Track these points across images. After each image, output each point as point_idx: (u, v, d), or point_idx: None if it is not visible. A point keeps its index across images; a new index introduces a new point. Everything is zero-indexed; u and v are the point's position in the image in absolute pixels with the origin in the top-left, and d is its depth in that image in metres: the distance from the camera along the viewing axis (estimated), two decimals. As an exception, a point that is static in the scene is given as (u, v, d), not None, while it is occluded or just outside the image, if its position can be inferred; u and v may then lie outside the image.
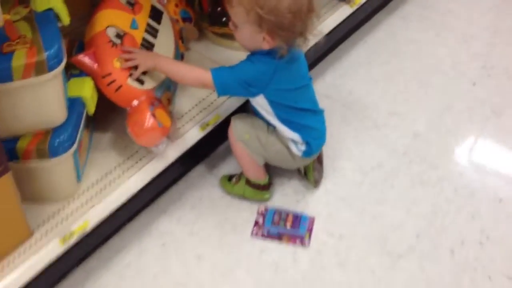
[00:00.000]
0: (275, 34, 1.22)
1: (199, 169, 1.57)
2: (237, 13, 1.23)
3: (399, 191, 1.52)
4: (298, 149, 1.40)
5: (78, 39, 1.38)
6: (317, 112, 1.43)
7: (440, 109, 1.75)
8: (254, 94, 1.33)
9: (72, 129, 1.19)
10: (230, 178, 1.51)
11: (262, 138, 1.40)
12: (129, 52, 1.30)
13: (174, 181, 1.51)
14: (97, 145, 1.38)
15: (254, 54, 1.30)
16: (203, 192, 1.52)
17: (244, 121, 1.41)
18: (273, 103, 1.34)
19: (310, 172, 1.51)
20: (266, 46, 1.25)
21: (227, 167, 1.58)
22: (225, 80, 1.30)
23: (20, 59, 1.03)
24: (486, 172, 1.58)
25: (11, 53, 1.04)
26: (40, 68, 1.05)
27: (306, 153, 1.41)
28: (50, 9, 1.14)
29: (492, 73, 1.88)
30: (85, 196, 1.27)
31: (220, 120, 1.49)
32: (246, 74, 1.29)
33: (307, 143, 1.40)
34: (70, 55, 1.33)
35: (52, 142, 1.15)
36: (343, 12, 1.82)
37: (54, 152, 1.15)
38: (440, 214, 1.47)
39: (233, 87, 1.31)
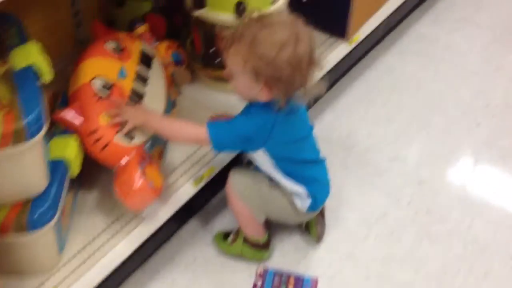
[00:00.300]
0: (273, 87, 1.13)
1: (191, 224, 1.45)
2: (234, 62, 1.14)
3: (406, 247, 1.43)
4: (303, 203, 1.30)
5: (61, 92, 1.26)
6: (319, 162, 1.34)
7: (444, 153, 1.67)
8: (254, 149, 1.24)
9: (53, 198, 1.07)
10: (225, 235, 1.40)
11: (264, 193, 1.29)
12: (117, 107, 1.19)
13: (165, 240, 1.40)
14: (82, 207, 1.27)
15: (252, 106, 1.21)
16: (197, 251, 1.41)
17: (244, 175, 1.31)
18: (274, 156, 1.25)
19: (313, 226, 1.41)
20: (263, 97, 1.16)
21: (222, 222, 1.47)
22: (222, 136, 1.20)
23: (-4, 127, 0.92)
24: (496, 224, 1.49)
25: (-14, 120, 0.92)
26: (18, 137, 0.94)
27: (311, 208, 1.32)
28: (30, 66, 1.02)
29: (496, 112, 1.80)
30: (68, 267, 1.15)
31: (215, 172, 1.38)
32: (244, 129, 1.19)
33: (313, 196, 1.30)
34: (53, 109, 1.22)
35: (32, 214, 1.03)
36: (342, 50, 1.73)
37: (34, 225, 1.04)
38: (450, 274, 1.37)
39: (231, 143, 1.21)
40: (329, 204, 1.45)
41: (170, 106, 1.39)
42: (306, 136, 1.28)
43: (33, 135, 0.95)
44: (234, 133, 1.19)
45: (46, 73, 1.03)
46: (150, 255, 1.36)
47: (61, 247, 1.16)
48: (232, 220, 1.41)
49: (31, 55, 1.03)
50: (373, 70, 1.95)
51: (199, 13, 1.40)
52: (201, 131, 1.19)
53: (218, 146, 1.21)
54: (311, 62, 1.14)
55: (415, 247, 1.43)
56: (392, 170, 1.61)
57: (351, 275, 1.37)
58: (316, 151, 1.33)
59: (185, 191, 1.32)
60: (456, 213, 1.51)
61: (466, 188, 1.58)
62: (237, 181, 1.29)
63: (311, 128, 1.31)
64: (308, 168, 1.29)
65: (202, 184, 1.35)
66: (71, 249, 1.19)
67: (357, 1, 1.65)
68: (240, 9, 1.35)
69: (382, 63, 1.97)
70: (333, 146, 1.66)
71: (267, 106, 1.17)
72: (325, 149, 1.37)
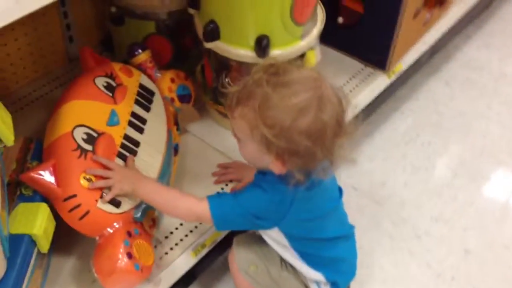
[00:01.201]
0: (287, 160, 0.88)
1: (191, 292, 1.23)
2: (239, 127, 0.91)
3: (447, 336, 1.19)
4: (318, 287, 1.06)
5: (36, 139, 1.04)
6: (346, 237, 1.09)
7: (497, 216, 1.41)
8: (265, 228, 1.00)
9: (13, 286, 0.85)
10: (230, 309, 1.18)
11: (273, 272, 1.06)
12: (103, 167, 0.97)
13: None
14: (55, 278, 1.04)
15: (264, 177, 0.95)
16: (196, 326, 1.19)
17: (249, 248, 1.07)
18: (290, 236, 1.01)
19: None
20: (276, 170, 0.91)
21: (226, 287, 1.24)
22: (225, 212, 0.96)
23: None
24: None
25: None
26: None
27: None
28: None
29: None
30: None
31: (219, 239, 1.15)
32: (255, 205, 0.95)
33: (333, 283, 1.06)
34: (23, 162, 1.00)
35: (-19, 314, 0.81)
36: (380, 84, 1.47)
37: (-17, 327, 0.81)
38: None
39: (236, 220, 0.97)
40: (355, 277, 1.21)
41: (171, 154, 1.15)
42: (332, 210, 1.04)
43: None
44: (241, 209, 0.95)
45: (7, 138, 0.80)
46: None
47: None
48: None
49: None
50: (415, 101, 1.69)
51: (212, 45, 1.15)
52: (202, 205, 0.95)
53: (220, 225, 0.98)
54: (337, 133, 0.88)
55: (458, 337, 1.18)
56: (433, 233, 1.36)
57: None
58: (344, 224, 1.08)
59: (182, 262, 1.09)
60: (509, 295, 1.25)
61: (521, 261, 1.32)
62: (241, 257, 1.06)
63: (339, 198, 1.06)
64: (330, 247, 1.04)
65: (203, 252, 1.12)
66: (38, 336, 0.97)
67: (402, 28, 1.39)
68: (262, 45, 1.09)
69: (425, 94, 1.71)
70: (363, 197, 1.41)
71: (282, 179, 0.92)
72: (351, 199, 1.13)
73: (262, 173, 0.96)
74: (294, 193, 0.93)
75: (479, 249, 1.33)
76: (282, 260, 1.06)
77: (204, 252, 1.12)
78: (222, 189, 1.20)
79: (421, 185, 1.47)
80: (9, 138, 0.82)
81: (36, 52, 1.36)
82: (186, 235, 1.12)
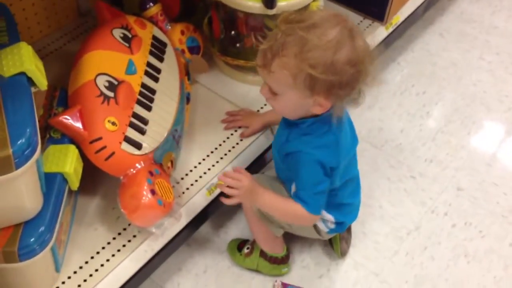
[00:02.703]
0: (332, 95, 0.94)
1: (203, 230, 1.32)
2: (279, 79, 0.94)
3: (440, 266, 1.29)
4: (326, 226, 1.16)
5: (59, 87, 1.10)
6: (354, 179, 1.17)
7: (487, 157, 1.50)
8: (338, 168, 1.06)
9: (49, 220, 0.93)
10: (240, 246, 1.27)
11: None
12: (234, 179, 1.05)
13: (174, 250, 1.27)
14: (82, 217, 1.13)
15: (309, 125, 1.01)
16: (208, 261, 1.28)
17: (267, 183, 1.14)
18: None
19: (337, 242, 1.27)
20: (318, 110, 0.97)
21: (236, 229, 1.34)
22: (316, 203, 1.04)
23: (-25, 155, 0.77)
24: (541, 242, 1.35)
25: (-35, 145, 0.77)
26: (5, 166, 0.79)
27: (334, 231, 1.18)
28: (21, 73, 0.86)
29: (546, 110, 1.63)
30: (66, 288, 1.03)
31: (231, 179, 1.23)
32: (318, 173, 1.01)
33: (339, 223, 1.16)
34: (50, 110, 1.07)
35: (24, 242, 0.89)
36: (378, 35, 1.54)
37: (27, 254, 0.90)
38: (489, 300, 1.24)
39: (323, 195, 1.04)
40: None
41: (184, 102, 1.23)
42: (352, 157, 1.11)
43: (22, 163, 0.80)
44: (317, 188, 1.02)
45: (41, 82, 0.87)
46: (156, 267, 1.24)
47: (58, 266, 1.03)
48: (247, 226, 1.29)
49: (23, 60, 0.86)
50: (410, 52, 1.76)
51: (220, -3, 1.22)
52: (297, 208, 1.03)
53: (317, 209, 1.05)
54: (370, 56, 0.95)
55: (450, 267, 1.29)
56: (427, 174, 1.46)
57: (378, 296, 1.24)
58: (356, 166, 1.16)
59: (198, 200, 1.18)
60: (497, 228, 1.36)
61: (511, 200, 1.42)
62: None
63: (356, 145, 1.12)
64: (342, 192, 1.12)
65: (216, 192, 1.20)
66: (68, 268, 1.05)
67: (399, -20, 1.45)
68: (268, -1, 1.16)
69: (419, 45, 1.78)
70: (363, 142, 1.50)
71: (320, 121, 0.99)
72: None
73: (298, 123, 1.01)
74: (337, 133, 1.00)
75: (470, 187, 1.43)
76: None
77: (217, 191, 1.20)
78: (232, 134, 1.28)
79: (416, 131, 1.56)
80: (43, 83, 0.89)
81: (49, 7, 1.41)
82: (201, 176, 1.20)
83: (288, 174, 1.10)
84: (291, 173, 1.06)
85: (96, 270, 1.05)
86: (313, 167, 1.00)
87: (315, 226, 1.16)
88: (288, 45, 0.91)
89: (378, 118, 1.58)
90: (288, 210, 1.05)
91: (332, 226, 1.16)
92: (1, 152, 0.77)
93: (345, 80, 0.92)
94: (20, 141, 0.79)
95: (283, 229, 1.20)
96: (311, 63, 0.90)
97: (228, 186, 1.05)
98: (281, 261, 1.24)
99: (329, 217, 1.13)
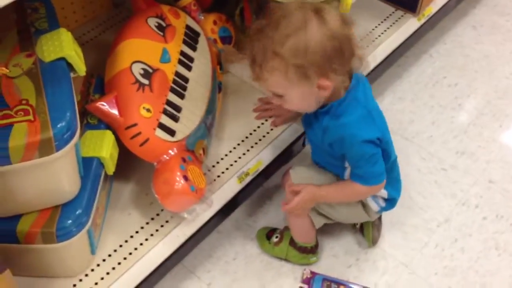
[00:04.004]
0: (328, 73, 0.95)
1: (232, 218, 1.34)
2: (275, 82, 0.97)
3: (470, 257, 1.28)
4: (377, 204, 1.17)
5: (96, 74, 1.13)
6: (396, 160, 1.17)
7: (519, 150, 1.49)
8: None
9: (86, 203, 0.96)
10: (269, 234, 1.28)
11: None
12: (294, 192, 1.11)
13: (205, 236, 1.29)
14: (116, 202, 1.15)
15: (333, 108, 1.02)
16: (238, 248, 1.30)
17: (307, 173, 1.16)
18: None
19: (369, 229, 1.27)
20: (325, 93, 0.98)
21: (266, 217, 1.35)
22: (375, 173, 1.06)
23: (19, 136, 0.80)
24: None
25: (9, 127, 0.80)
26: (45, 148, 0.81)
27: (384, 209, 1.19)
28: (61, 59, 0.89)
29: None
30: (100, 271, 1.05)
31: (261, 167, 1.25)
32: (367, 149, 1.02)
33: (392, 199, 1.17)
34: (86, 96, 1.10)
35: (61, 223, 0.92)
36: (410, 27, 1.54)
37: (64, 235, 0.93)
38: (520, 293, 1.23)
39: (380, 162, 1.06)
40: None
41: (216, 91, 1.24)
42: (388, 132, 1.11)
43: (62, 145, 0.83)
44: (371, 161, 1.04)
45: (80, 68, 0.90)
46: (188, 252, 1.26)
47: (93, 248, 1.06)
48: (278, 214, 1.30)
49: (63, 46, 0.89)
50: (442, 44, 1.75)
51: (252, -14, 1.23)
52: (358, 187, 1.07)
53: (380, 177, 1.07)
54: (346, 23, 0.96)
55: (481, 258, 1.28)
56: (459, 166, 1.45)
57: (408, 286, 1.24)
58: (393, 147, 1.16)
59: (229, 188, 1.20)
60: (530, 222, 1.35)
61: (542, 192, 1.40)
62: (298, 178, 1.14)
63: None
64: (396, 167, 1.15)
65: (247, 180, 1.22)
66: (104, 250, 1.08)
67: (432, -29, 1.44)
68: (302, -14, 1.16)
69: (452, 38, 1.77)
70: (394, 134, 1.46)
71: (346, 101, 1.00)
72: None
73: (325, 111, 1.03)
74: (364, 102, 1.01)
75: (501, 180, 1.42)
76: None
77: (248, 179, 1.22)
78: (263, 123, 1.29)
79: (447, 123, 1.55)
80: (82, 69, 0.92)
81: (84, -3, 1.45)
82: (231, 164, 1.22)
83: (333, 162, 1.12)
84: (338, 160, 1.09)
85: (130, 254, 1.08)
86: (360, 146, 1.02)
87: (364, 206, 1.17)
88: (265, 49, 0.93)
89: (409, 110, 1.57)
90: (351, 192, 1.09)
91: (383, 204, 1.17)
92: (43, 134, 0.80)
93: (330, 53, 0.93)
94: (61, 124, 0.82)
95: (328, 221, 1.21)
96: (291, 53, 0.92)
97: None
98: (310, 251, 1.25)
99: (384, 192, 1.14)
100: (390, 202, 1.18)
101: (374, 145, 1.03)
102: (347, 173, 1.11)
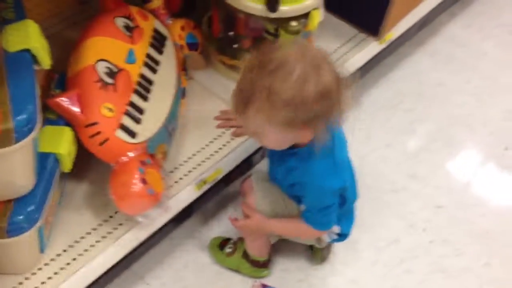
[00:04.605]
0: (311, 127, 0.95)
1: (185, 226, 1.33)
2: (256, 122, 0.95)
3: (416, 279, 1.32)
4: (329, 237, 1.19)
5: (58, 71, 1.10)
6: (355, 182, 1.18)
7: (467, 178, 1.54)
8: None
9: (39, 200, 0.94)
10: (222, 244, 1.28)
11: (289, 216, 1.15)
12: (246, 217, 1.15)
13: (157, 243, 1.27)
14: (69, 201, 1.13)
15: (301, 151, 1.03)
16: (189, 257, 1.29)
17: (271, 194, 1.15)
18: None
19: (318, 249, 1.28)
20: (304, 139, 1.00)
21: (219, 226, 1.35)
22: (324, 221, 1.09)
23: (-23, 126, 0.77)
24: (515, 264, 1.38)
25: (-34, 115, 0.77)
26: (4, 139, 0.79)
27: (337, 241, 1.22)
28: (26, 50, 0.86)
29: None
30: (48, 270, 1.03)
31: (220, 176, 1.25)
32: (326, 197, 1.05)
33: (343, 234, 1.20)
34: (47, 91, 1.07)
35: (13, 218, 0.90)
36: (371, 49, 1.57)
37: (15, 230, 0.91)
38: (462, 316, 1.27)
39: (332, 211, 1.08)
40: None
41: (179, 96, 1.24)
42: (348, 162, 1.13)
43: (22, 137, 0.81)
44: (325, 209, 1.06)
45: (45, 61, 0.88)
46: (139, 258, 1.24)
47: (42, 246, 1.03)
48: (231, 225, 1.30)
49: (29, 37, 0.87)
50: (400, 70, 1.80)
51: (225, -3, 1.24)
52: (305, 227, 1.09)
53: (329, 225, 1.11)
54: (340, 83, 0.96)
55: (426, 281, 1.32)
56: (408, 189, 1.49)
57: (354, 304, 1.26)
58: (353, 173, 1.17)
59: (186, 194, 1.19)
60: (474, 247, 1.39)
61: (488, 220, 1.45)
62: (262, 201, 1.14)
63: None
64: (348, 205, 1.16)
65: (205, 188, 1.22)
66: (52, 250, 1.06)
67: (397, -3, 1.49)
68: (273, 0, 1.18)
69: (409, 64, 1.82)
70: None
71: (313, 145, 1.00)
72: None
73: (293, 153, 1.03)
74: (332, 154, 1.02)
75: (449, 206, 1.46)
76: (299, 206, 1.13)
77: (206, 187, 1.21)
78: (224, 132, 1.29)
79: (400, 146, 1.59)
80: (47, 62, 0.90)
81: (48, -9, 1.41)
82: (190, 171, 1.21)
83: (292, 193, 1.13)
84: (292, 197, 1.12)
85: (80, 255, 1.06)
86: (320, 195, 1.04)
87: (317, 238, 1.19)
88: (258, 91, 0.92)
89: (364, 131, 1.60)
90: (298, 230, 1.14)
91: (335, 236, 1.18)
92: (2, 125, 0.78)
93: (319, 112, 0.93)
94: (22, 116, 0.80)
95: (280, 237, 1.22)
96: (283, 105, 0.91)
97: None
98: (262, 265, 1.25)
99: (336, 228, 1.16)
100: (342, 237, 1.20)
101: (334, 196, 1.05)
102: (301, 205, 1.12)
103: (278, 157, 1.09)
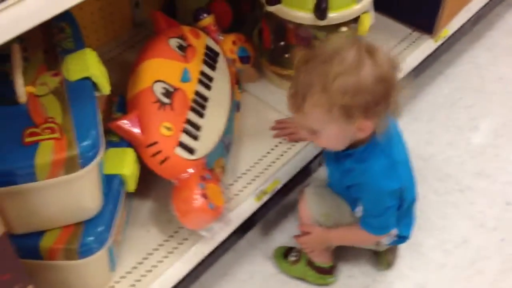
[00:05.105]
0: (372, 115, 0.94)
1: (249, 237, 1.34)
2: (315, 116, 0.94)
3: (488, 279, 1.28)
4: (388, 240, 1.17)
5: (118, 94, 1.15)
6: (414, 183, 1.15)
7: (537, 172, 1.48)
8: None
9: (108, 220, 0.97)
10: (286, 253, 1.29)
11: (343, 223, 1.15)
12: (305, 234, 1.18)
13: (222, 255, 1.29)
14: (135, 219, 1.16)
15: (359, 152, 1.02)
16: (255, 267, 1.30)
17: (321, 198, 1.16)
18: None
19: (382, 253, 1.27)
20: (362, 134, 0.97)
21: (282, 236, 1.35)
22: (379, 223, 1.08)
23: (46, 154, 0.81)
24: None
25: (35, 144, 0.82)
26: (71, 165, 0.83)
27: (396, 243, 1.20)
28: (86, 78, 0.90)
29: None
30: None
31: (279, 186, 1.25)
32: (384, 200, 1.03)
33: (401, 237, 1.18)
34: (108, 114, 1.12)
35: (84, 240, 0.93)
36: (427, 48, 1.54)
37: (86, 252, 0.94)
38: (540, 316, 1.22)
39: (390, 215, 1.07)
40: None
41: (234, 110, 1.26)
42: (408, 161, 1.11)
43: (87, 162, 0.84)
44: (384, 213, 1.05)
45: (105, 87, 0.92)
46: (205, 271, 1.26)
47: (113, 265, 1.07)
48: (295, 233, 1.29)
49: (88, 65, 0.91)
50: (458, 66, 1.75)
51: (273, 9, 1.25)
52: (364, 234, 1.10)
53: (388, 229, 1.10)
54: (394, 67, 0.96)
55: (499, 281, 1.27)
56: (476, 188, 1.44)
57: (425, 308, 1.24)
58: (412, 176, 1.15)
59: (247, 206, 1.20)
60: (548, 244, 1.34)
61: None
62: (312, 204, 1.16)
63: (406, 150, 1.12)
64: (407, 207, 1.13)
65: (265, 199, 1.23)
66: (123, 267, 1.09)
67: (450, -8, 1.46)
68: (321, 8, 1.18)
69: (468, 59, 1.77)
70: (410, 154, 1.50)
71: (371, 141, 1.00)
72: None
73: (349, 154, 1.03)
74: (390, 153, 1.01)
75: (520, 202, 1.41)
76: (352, 214, 1.13)
77: (265, 198, 1.22)
78: (280, 142, 1.30)
79: (464, 144, 1.55)
80: (107, 88, 0.93)
81: (106, 16, 1.47)
82: (249, 183, 1.23)
83: (346, 197, 1.13)
84: (351, 200, 1.11)
85: (149, 271, 1.09)
86: (378, 196, 1.02)
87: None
88: (313, 82, 0.91)
89: (425, 131, 1.57)
90: (357, 237, 1.14)
91: (394, 238, 1.17)
92: (68, 151, 0.81)
93: (378, 96, 0.92)
94: (86, 142, 0.83)
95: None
96: (340, 92, 0.90)
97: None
98: (328, 272, 1.25)
99: (394, 230, 1.14)
100: (401, 239, 1.18)
101: (392, 197, 1.03)
102: (357, 209, 1.11)
103: (334, 160, 1.09)
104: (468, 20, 1.65)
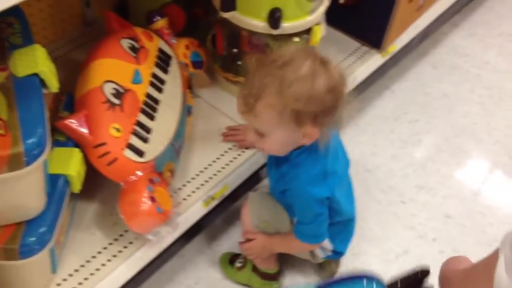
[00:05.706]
0: (319, 123, 0.96)
1: (195, 242, 1.34)
2: (265, 119, 0.96)
3: (427, 290, 1.31)
4: (324, 253, 1.19)
5: (66, 93, 1.12)
6: (352, 201, 1.20)
7: (475, 188, 1.54)
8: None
9: (51, 221, 0.95)
10: (232, 259, 1.29)
11: (283, 230, 1.16)
12: (249, 241, 1.18)
13: (167, 260, 1.28)
14: (80, 220, 1.14)
15: (299, 156, 1.04)
16: (200, 273, 1.30)
17: (263, 205, 1.17)
18: None
19: (326, 262, 1.29)
20: (307, 141, 0.99)
21: (229, 242, 1.35)
22: (312, 234, 1.11)
23: (-12, 150, 0.78)
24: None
25: (-22, 140, 0.79)
26: (15, 163, 0.81)
27: (331, 257, 1.23)
28: (34, 75, 0.88)
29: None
30: (60, 291, 1.04)
31: (227, 192, 1.26)
32: (316, 202, 1.05)
33: (337, 252, 1.21)
34: (55, 113, 1.09)
35: (25, 240, 0.90)
36: (374, 62, 1.58)
37: (27, 252, 0.91)
38: (474, 326, 1.26)
39: (323, 223, 1.09)
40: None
41: (186, 114, 1.25)
42: (345, 176, 1.14)
43: (32, 160, 0.82)
44: (315, 220, 1.07)
45: (53, 84, 0.90)
46: (149, 276, 1.25)
47: (54, 267, 1.04)
48: (241, 239, 1.30)
49: (37, 62, 0.88)
50: (404, 82, 1.81)
51: (228, 15, 1.25)
52: (298, 242, 1.12)
53: (319, 238, 1.12)
54: (343, 79, 0.98)
55: (436, 291, 1.31)
56: (417, 200, 1.49)
57: (366, 316, 1.26)
58: (351, 192, 1.19)
59: (195, 211, 1.20)
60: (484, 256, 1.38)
61: (497, 229, 1.45)
62: (254, 211, 1.17)
63: (347, 162, 1.16)
64: (345, 223, 1.17)
65: (213, 204, 1.22)
66: (64, 270, 1.07)
67: (399, 10, 1.50)
68: (274, 17, 1.20)
69: (413, 75, 1.84)
70: (355, 165, 1.51)
71: (313, 148, 1.01)
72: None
73: (286, 159, 1.04)
74: (325, 160, 1.03)
75: (458, 215, 1.46)
76: (292, 222, 1.15)
77: (213, 203, 1.22)
78: (230, 149, 1.30)
79: (407, 157, 1.60)
80: (55, 85, 0.91)
81: (56, 14, 1.44)
82: (198, 188, 1.22)
83: (287, 203, 1.14)
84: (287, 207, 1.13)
85: (92, 274, 1.07)
86: (306, 202, 1.04)
87: (311, 252, 1.19)
88: (268, 85, 0.93)
89: (371, 143, 1.61)
90: (293, 245, 1.16)
91: (329, 253, 1.19)
92: (13, 149, 0.79)
93: (328, 106, 0.95)
94: (32, 140, 0.81)
95: None
96: (295, 98, 0.92)
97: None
98: (273, 278, 1.26)
99: (330, 246, 1.17)
100: (336, 254, 1.22)
101: (321, 205, 1.05)
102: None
103: (274, 165, 1.10)
104: (415, 37, 1.71)
